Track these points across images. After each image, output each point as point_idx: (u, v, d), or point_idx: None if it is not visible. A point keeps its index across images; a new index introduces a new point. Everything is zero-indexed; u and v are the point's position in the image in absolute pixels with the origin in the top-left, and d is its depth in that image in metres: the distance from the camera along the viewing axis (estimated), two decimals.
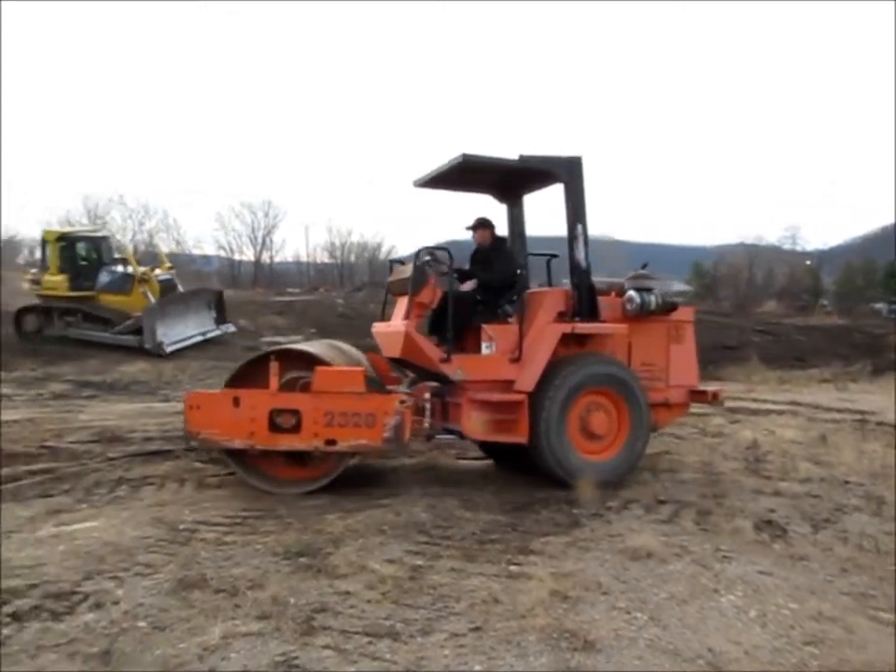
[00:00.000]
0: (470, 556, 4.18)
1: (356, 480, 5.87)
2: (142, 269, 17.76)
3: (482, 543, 4.43)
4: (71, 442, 7.11)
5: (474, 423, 5.76)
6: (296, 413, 5.40)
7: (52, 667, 2.84)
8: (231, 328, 18.30)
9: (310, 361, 5.62)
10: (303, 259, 72.94)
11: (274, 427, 5.41)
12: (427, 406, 6.16)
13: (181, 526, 4.53)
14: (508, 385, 5.83)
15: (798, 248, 63.16)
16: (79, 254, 18.13)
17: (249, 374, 5.67)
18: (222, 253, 69.77)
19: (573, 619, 3.40)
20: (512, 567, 4.03)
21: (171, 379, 13.89)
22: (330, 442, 5.38)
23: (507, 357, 5.86)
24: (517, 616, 3.39)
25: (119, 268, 18.21)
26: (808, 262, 54.40)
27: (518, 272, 6.51)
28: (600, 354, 6.18)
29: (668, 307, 6.35)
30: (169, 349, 16.12)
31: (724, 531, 4.76)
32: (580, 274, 6.08)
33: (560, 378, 5.78)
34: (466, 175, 6.31)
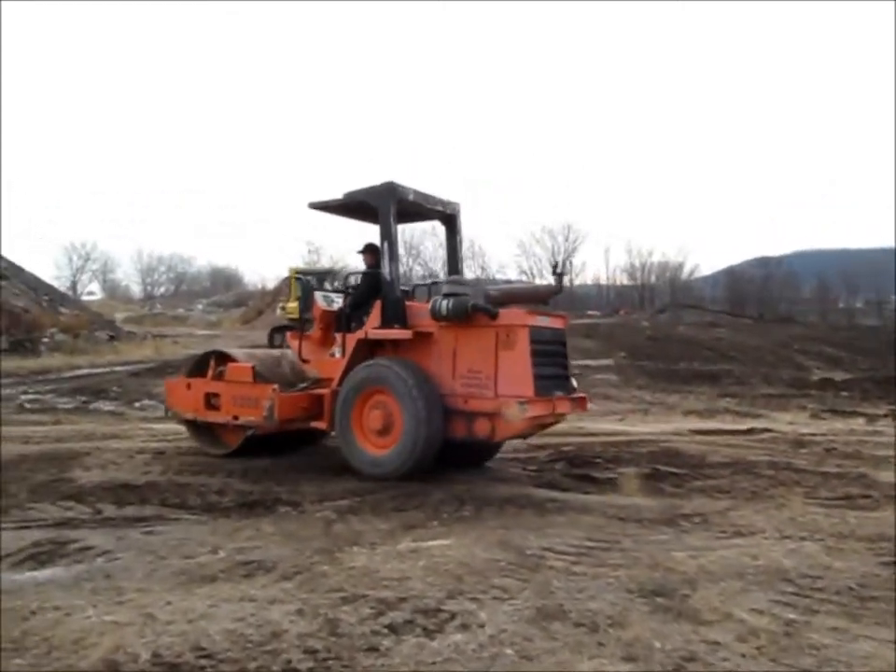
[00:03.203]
0: (853, 615, 3.65)
1: (697, 515, 5.53)
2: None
3: (862, 600, 3.86)
4: None
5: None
6: (219, 395, 7.42)
7: None
8: None
9: (231, 360, 7.61)
10: (603, 281, 72.92)
11: (209, 406, 7.51)
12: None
13: (528, 552, 4.53)
14: None
15: None
16: (309, 285, 21.41)
17: (202, 367, 7.84)
18: (524, 277, 72.25)
19: None
20: None
21: None
22: (235, 418, 7.24)
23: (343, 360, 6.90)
24: None
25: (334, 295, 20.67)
26: None
27: (380, 290, 6.87)
28: (393, 358, 6.63)
29: (467, 311, 6.21)
30: None
31: None
32: (386, 286, 6.72)
33: (349, 378, 6.65)
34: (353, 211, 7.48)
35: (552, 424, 6.96)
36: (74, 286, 68.37)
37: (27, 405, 12.09)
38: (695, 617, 3.57)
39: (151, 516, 5.52)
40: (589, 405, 13.55)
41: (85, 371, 16.51)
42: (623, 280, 72.15)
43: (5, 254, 27.01)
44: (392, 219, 6.73)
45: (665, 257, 69.74)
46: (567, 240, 69.33)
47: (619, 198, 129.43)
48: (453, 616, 3.56)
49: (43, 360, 18.53)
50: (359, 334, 6.80)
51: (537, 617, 3.55)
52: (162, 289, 79.02)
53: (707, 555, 4.49)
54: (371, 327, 6.76)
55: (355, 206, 7.15)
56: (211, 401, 7.50)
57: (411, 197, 6.95)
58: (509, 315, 6.29)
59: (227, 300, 57.58)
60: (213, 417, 7.51)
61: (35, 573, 4.32)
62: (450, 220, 7.72)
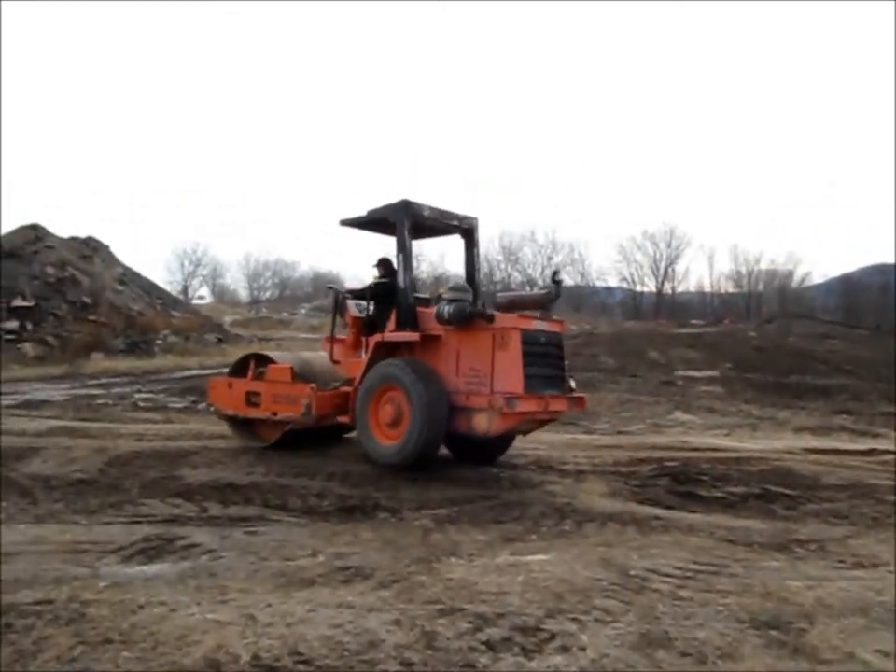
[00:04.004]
0: None
1: (813, 541, 5.20)
2: None
3: None
4: (512, 470, 7.54)
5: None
6: (259, 394, 8.05)
7: None
8: None
9: (270, 361, 8.26)
10: (706, 289, 70.84)
11: (249, 403, 8.15)
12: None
13: (631, 572, 4.35)
14: None
15: None
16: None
17: (243, 368, 8.56)
18: (624, 284, 71.03)
19: None
20: None
21: (589, 411, 14.16)
22: (274, 414, 7.85)
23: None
24: None
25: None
26: None
27: (388, 297, 7.60)
28: (404, 358, 7.25)
29: (465, 315, 6.83)
30: None
31: None
32: (400, 293, 7.40)
33: (367, 376, 7.29)
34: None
35: (548, 420, 7.47)
36: (185, 290, 71.61)
37: (141, 403, 12.66)
38: (813, 654, 3.32)
39: (254, 516, 5.64)
40: (689, 417, 13.34)
41: (195, 372, 17.19)
42: (728, 288, 69.91)
43: (124, 260, 28.49)
44: (406, 233, 7.39)
45: (773, 264, 67.12)
46: (669, 246, 67.82)
47: (726, 202, 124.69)
48: (552, 636, 3.44)
49: (156, 361, 19.42)
50: (377, 337, 7.47)
51: (640, 643, 3.39)
52: (268, 294, 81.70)
53: (825, 587, 4.20)
54: (389, 331, 7.42)
55: (377, 221, 7.79)
56: (251, 399, 8.14)
57: (426, 213, 7.56)
58: (503, 318, 6.83)
59: (328, 304, 59.06)
60: (253, 413, 8.16)
61: (144, 567, 4.47)
62: (468, 234, 8.26)
